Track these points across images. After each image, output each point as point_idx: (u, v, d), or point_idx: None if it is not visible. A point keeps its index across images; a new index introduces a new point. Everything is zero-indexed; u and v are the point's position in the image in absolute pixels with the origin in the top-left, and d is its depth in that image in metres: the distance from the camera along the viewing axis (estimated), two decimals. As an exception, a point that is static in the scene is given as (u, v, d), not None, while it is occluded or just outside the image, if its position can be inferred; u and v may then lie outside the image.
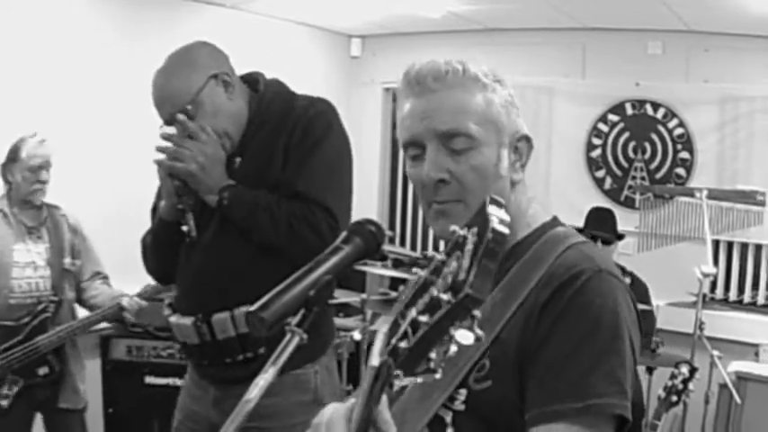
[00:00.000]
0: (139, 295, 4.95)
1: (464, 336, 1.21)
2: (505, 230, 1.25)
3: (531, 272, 1.85)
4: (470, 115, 1.87)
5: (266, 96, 3.32)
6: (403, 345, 1.26)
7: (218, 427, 3.23)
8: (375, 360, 1.31)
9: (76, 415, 5.09)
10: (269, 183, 3.20)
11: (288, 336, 1.75)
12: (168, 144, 3.15)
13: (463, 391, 1.81)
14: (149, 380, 5.77)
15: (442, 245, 1.61)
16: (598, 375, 1.71)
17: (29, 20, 5.62)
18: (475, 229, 1.28)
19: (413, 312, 1.28)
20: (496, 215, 1.27)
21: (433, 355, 1.23)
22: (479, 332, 1.22)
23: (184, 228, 3.24)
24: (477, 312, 1.21)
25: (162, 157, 3.18)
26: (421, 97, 1.90)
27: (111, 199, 5.70)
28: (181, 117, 3.09)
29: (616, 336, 1.75)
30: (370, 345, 1.42)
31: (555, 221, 2.05)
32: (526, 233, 1.98)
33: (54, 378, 4.86)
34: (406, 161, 1.99)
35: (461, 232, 1.32)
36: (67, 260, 4.98)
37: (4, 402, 4.69)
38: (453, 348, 1.22)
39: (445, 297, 1.21)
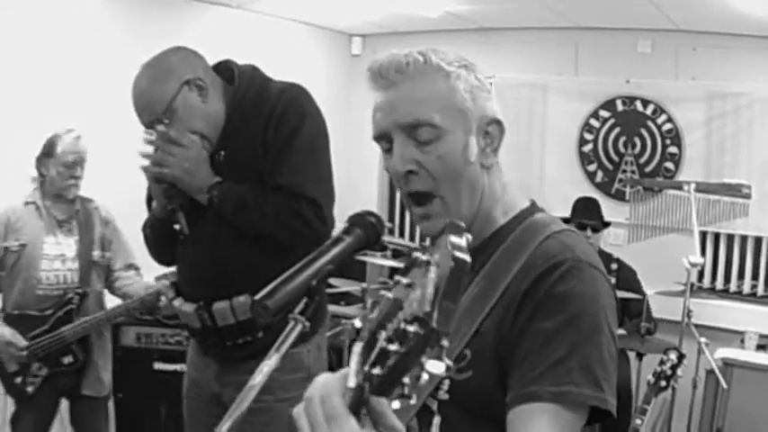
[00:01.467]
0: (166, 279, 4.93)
1: (435, 365, 1.20)
2: (466, 258, 1.24)
3: (511, 261, 1.84)
4: (433, 104, 1.84)
5: (241, 88, 3.31)
6: (376, 371, 1.24)
7: (219, 397, 3.35)
8: (351, 382, 1.30)
9: (99, 402, 5.11)
10: (253, 174, 3.23)
11: (291, 323, 1.75)
12: (151, 149, 3.18)
13: (446, 381, 1.81)
14: (158, 366, 5.76)
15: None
16: (574, 365, 1.70)
17: (43, 20, 5.63)
18: (436, 257, 1.27)
19: (383, 337, 1.27)
20: (456, 243, 1.26)
21: (406, 380, 1.21)
22: (449, 362, 1.20)
23: (176, 226, 3.28)
24: (444, 342, 1.20)
25: (147, 163, 3.20)
26: (386, 90, 1.89)
27: (125, 191, 5.67)
28: (161, 127, 3.12)
29: (594, 327, 1.74)
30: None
31: (533, 207, 2.02)
32: (505, 221, 1.96)
33: (78, 367, 4.87)
34: (381, 153, 1.97)
35: (424, 257, 1.31)
36: (97, 252, 4.97)
37: (30, 388, 4.72)
38: (425, 377, 1.20)
39: (412, 329, 1.20)
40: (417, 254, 1.34)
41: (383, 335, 1.26)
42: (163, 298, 4.76)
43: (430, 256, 1.28)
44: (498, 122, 1.94)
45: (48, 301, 4.74)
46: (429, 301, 1.21)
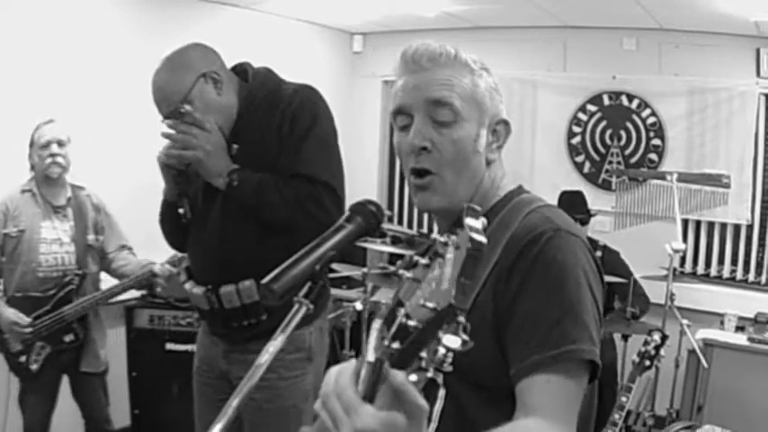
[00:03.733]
0: (169, 263, 4.94)
1: (452, 340, 1.21)
2: (483, 239, 1.25)
3: (499, 237, 1.85)
4: (457, 91, 1.89)
5: (255, 86, 3.37)
6: (395, 345, 1.26)
7: (227, 374, 3.44)
8: (371, 356, 1.31)
9: (97, 378, 5.16)
10: (265, 167, 3.26)
11: (296, 306, 1.76)
12: (170, 131, 3.23)
13: (449, 354, 1.81)
14: (170, 346, 5.78)
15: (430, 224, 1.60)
16: (568, 324, 1.73)
17: (60, 18, 5.64)
18: (454, 238, 1.28)
19: (402, 314, 1.28)
20: (473, 226, 1.27)
21: (423, 354, 1.23)
22: (465, 337, 1.22)
23: (180, 210, 3.36)
24: (461, 319, 1.21)
25: (167, 145, 3.25)
26: (415, 74, 1.92)
27: (136, 179, 5.65)
28: (188, 108, 3.17)
29: (578, 286, 1.77)
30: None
31: (520, 189, 2.07)
32: (495, 201, 2.00)
33: (78, 344, 4.94)
34: (395, 130, 2.00)
35: (441, 239, 1.32)
36: (91, 237, 5.03)
37: (34, 366, 4.79)
38: (442, 351, 1.21)
39: (431, 305, 1.21)
40: (436, 236, 1.35)
41: (402, 312, 1.27)
42: (159, 280, 4.88)
43: (448, 238, 1.29)
44: (506, 123, 2.03)
45: (48, 283, 4.81)
46: (447, 279, 1.22)
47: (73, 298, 4.85)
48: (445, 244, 1.29)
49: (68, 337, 4.86)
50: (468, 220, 1.28)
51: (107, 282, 5.13)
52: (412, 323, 1.23)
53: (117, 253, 5.17)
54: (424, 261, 1.36)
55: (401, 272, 1.43)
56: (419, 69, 1.91)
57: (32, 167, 4.88)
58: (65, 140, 4.85)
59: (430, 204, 1.95)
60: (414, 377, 1.25)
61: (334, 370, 1.45)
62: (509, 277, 1.79)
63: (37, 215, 4.83)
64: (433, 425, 1.82)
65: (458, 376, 1.82)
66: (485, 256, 1.84)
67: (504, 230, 1.86)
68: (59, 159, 4.82)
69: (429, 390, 1.83)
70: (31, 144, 4.82)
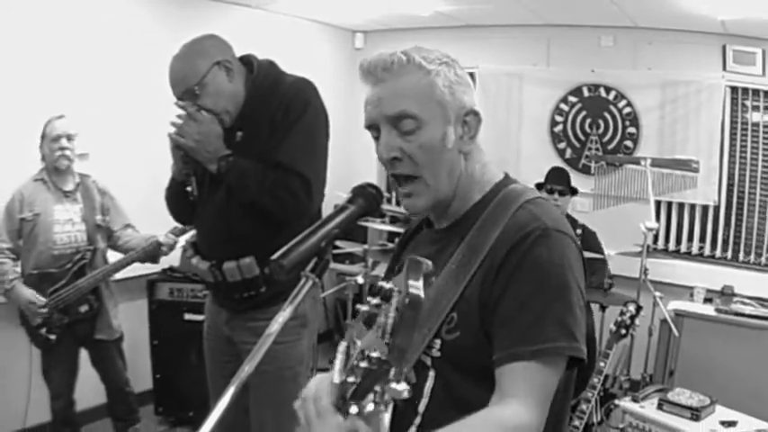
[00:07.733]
0: (172, 232, 5.02)
1: (398, 386, 1.24)
2: (421, 294, 1.28)
3: (489, 231, 1.83)
4: (414, 98, 1.84)
5: (259, 77, 3.41)
6: (351, 380, 1.31)
7: (230, 339, 3.53)
8: (336, 378, 1.38)
9: (112, 344, 5.22)
10: (262, 152, 3.32)
11: (303, 279, 1.76)
12: (178, 121, 3.30)
13: (438, 341, 1.81)
14: (188, 317, 5.79)
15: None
16: (548, 322, 1.70)
17: (76, 16, 5.65)
18: (397, 289, 1.31)
19: (357, 348, 1.36)
20: (413, 283, 1.30)
21: (377, 388, 1.26)
22: (407, 387, 1.26)
23: (188, 188, 3.47)
24: (405, 369, 1.26)
25: (172, 132, 3.33)
26: (374, 86, 1.89)
27: (155, 166, 5.67)
28: (182, 103, 3.26)
29: (563, 286, 1.74)
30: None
31: (507, 179, 2.02)
32: (482, 194, 1.96)
33: (93, 314, 5.00)
34: (374, 141, 1.97)
35: (388, 286, 1.35)
36: (99, 217, 5.10)
37: (53, 336, 4.87)
38: (389, 395, 1.26)
39: (375, 355, 1.25)
40: (382, 283, 1.42)
41: (358, 345, 1.31)
42: (164, 248, 4.99)
43: (393, 286, 1.33)
44: (475, 113, 1.94)
45: (63, 259, 4.89)
46: (388, 334, 1.27)
47: (86, 271, 4.93)
48: (390, 290, 1.31)
49: (83, 308, 4.94)
50: (410, 280, 1.30)
51: (114, 258, 5.17)
52: (363, 364, 1.26)
53: (122, 231, 5.24)
54: (374, 301, 1.42)
55: (357, 306, 1.48)
56: (376, 81, 1.88)
57: (43, 158, 4.95)
58: (73, 134, 4.93)
59: (416, 208, 1.94)
60: (371, 406, 1.28)
61: (317, 377, 1.57)
62: (497, 275, 1.76)
63: (49, 200, 4.90)
64: (425, 400, 1.83)
65: (447, 361, 1.84)
66: (474, 252, 1.85)
67: (494, 225, 1.84)
68: (68, 153, 4.91)
69: (420, 372, 1.86)
70: (43, 137, 4.89)
